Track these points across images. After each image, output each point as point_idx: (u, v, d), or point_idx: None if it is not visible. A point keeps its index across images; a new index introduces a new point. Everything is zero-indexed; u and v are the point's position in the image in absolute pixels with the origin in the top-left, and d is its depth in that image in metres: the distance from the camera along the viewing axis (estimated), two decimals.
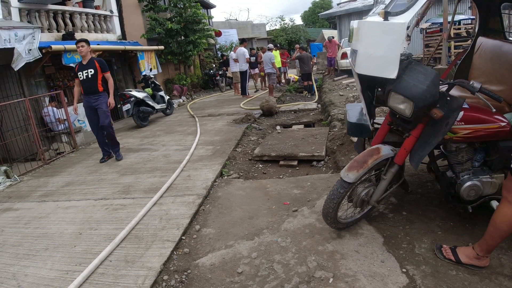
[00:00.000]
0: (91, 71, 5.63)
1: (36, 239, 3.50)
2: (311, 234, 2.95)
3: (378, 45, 2.41)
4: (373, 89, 3.09)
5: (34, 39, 7.03)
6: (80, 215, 3.91)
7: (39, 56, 7.15)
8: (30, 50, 6.94)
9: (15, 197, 4.85)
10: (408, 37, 2.34)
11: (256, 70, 14.10)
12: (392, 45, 2.34)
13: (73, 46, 8.25)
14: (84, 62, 5.67)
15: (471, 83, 2.33)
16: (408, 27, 2.33)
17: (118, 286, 2.58)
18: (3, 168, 5.74)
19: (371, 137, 3.26)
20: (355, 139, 4.82)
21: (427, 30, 13.58)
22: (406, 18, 2.32)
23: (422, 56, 13.42)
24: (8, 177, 5.64)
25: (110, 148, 6.11)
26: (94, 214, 3.89)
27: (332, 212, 2.62)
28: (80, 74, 5.69)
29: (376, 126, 3.14)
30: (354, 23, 2.91)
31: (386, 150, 2.58)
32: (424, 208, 3.12)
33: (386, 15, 2.38)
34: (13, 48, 6.62)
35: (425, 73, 2.34)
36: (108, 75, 5.81)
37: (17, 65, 6.77)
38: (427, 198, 3.30)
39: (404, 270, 2.38)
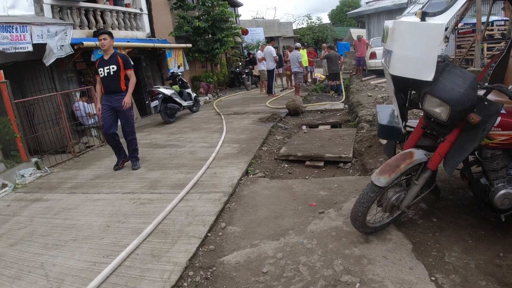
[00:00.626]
0: (113, 68, 5.05)
1: (65, 229, 3.62)
2: (338, 237, 2.91)
3: (415, 46, 2.35)
4: (406, 91, 3.02)
5: (66, 35, 7.25)
6: (108, 208, 4.01)
7: (71, 52, 7.38)
8: (62, 46, 7.18)
9: (45, 188, 5.03)
10: (446, 38, 2.27)
11: (281, 70, 14.05)
12: (429, 47, 2.28)
13: None
14: (106, 57, 5.11)
15: (510, 88, 2.23)
16: (446, 29, 2.26)
17: (144, 279, 2.62)
18: (34, 159, 5.96)
19: (402, 141, 3.18)
20: (384, 141, 4.72)
21: (459, 31, 13.12)
22: (445, 19, 2.26)
23: (453, 57, 12.99)
24: (38, 168, 5.84)
25: (129, 153, 5.51)
26: (122, 207, 3.99)
27: (361, 216, 2.58)
28: (100, 71, 5.10)
29: (408, 129, 3.06)
30: (389, 23, 2.84)
31: (419, 155, 2.51)
32: (455, 216, 3.02)
33: (423, 15, 2.31)
34: (45, 44, 6.86)
35: (463, 76, 2.27)
36: (131, 72, 5.19)
37: (49, 60, 7.01)
38: (458, 205, 3.19)
39: (433, 278, 2.31)
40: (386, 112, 3.60)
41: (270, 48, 11.87)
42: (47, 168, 5.90)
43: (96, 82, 5.36)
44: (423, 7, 2.56)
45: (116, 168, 5.43)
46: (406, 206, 2.66)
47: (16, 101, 5.85)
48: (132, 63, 5.30)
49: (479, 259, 2.45)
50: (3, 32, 5.97)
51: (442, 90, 2.26)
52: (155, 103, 8.73)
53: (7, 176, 5.33)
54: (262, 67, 12.51)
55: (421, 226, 2.93)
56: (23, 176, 5.46)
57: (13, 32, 6.14)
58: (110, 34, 5.14)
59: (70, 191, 4.76)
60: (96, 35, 9.03)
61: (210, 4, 13.99)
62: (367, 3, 20.69)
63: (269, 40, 12.90)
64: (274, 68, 11.90)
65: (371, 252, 2.65)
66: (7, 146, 6.05)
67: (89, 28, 9.25)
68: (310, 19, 39.29)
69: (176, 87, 9.78)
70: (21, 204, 4.54)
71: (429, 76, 2.29)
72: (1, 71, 5.59)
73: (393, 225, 2.95)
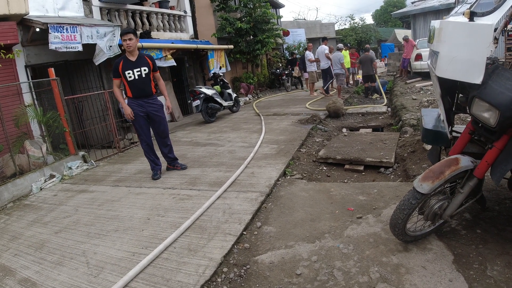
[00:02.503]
0: (145, 70, 4.65)
1: (108, 220, 3.81)
2: (376, 244, 2.84)
3: (463, 48, 2.25)
4: (453, 94, 2.89)
5: (114, 36, 7.63)
6: (149, 202, 4.18)
7: (119, 52, 7.74)
8: (110, 46, 7.56)
9: (91, 180, 5.32)
10: (496, 40, 2.16)
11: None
12: (478, 48, 2.17)
13: (150, 44, 8.85)
14: (133, 59, 4.66)
15: None
16: (495, 29, 2.14)
17: (180, 272, 2.71)
18: (81, 153, 6.33)
19: (448, 146, 3.05)
20: (428, 147, 4.54)
21: (509, 33, 12.26)
22: (494, 19, 2.14)
23: (503, 60, 12.17)
24: (85, 161, 6.20)
25: (169, 161, 5.26)
26: (162, 201, 4.13)
27: (401, 224, 2.49)
28: (129, 73, 4.61)
29: (454, 134, 2.93)
30: (436, 23, 2.74)
31: (465, 162, 2.39)
32: (501, 228, 2.84)
33: (472, 15, 2.21)
34: (95, 44, 7.26)
35: None
36: (158, 75, 4.91)
37: (98, 60, 7.42)
38: (504, 217, 3.00)
39: None
40: (432, 116, 3.46)
41: (323, 47, 11.56)
42: (93, 162, 6.25)
43: (114, 86, 4.90)
44: (471, 6, 2.45)
45: (157, 177, 4.96)
46: (449, 215, 2.54)
47: (66, 97, 6.26)
48: None
49: None
50: (55, 32, 6.39)
51: (491, 94, 2.14)
52: (196, 102, 8.96)
53: (55, 167, 5.71)
54: (312, 68, 12.30)
55: (464, 237, 2.79)
56: (70, 168, 5.82)
57: (63, 32, 6.56)
58: (135, 33, 4.67)
59: (114, 184, 5.00)
60: (142, 36, 9.45)
61: (252, 6, 14.13)
62: (412, 3, 19.88)
63: (322, 39, 12.67)
64: (329, 67, 11.51)
65: (409, 261, 2.56)
66: (56, 139, 6.49)
67: (136, 30, 9.67)
68: (353, 19, 38.59)
69: (217, 87, 9.97)
70: (67, 194, 4.85)
71: (477, 79, 2.18)
72: (52, 69, 6.00)
73: (434, 234, 2.83)
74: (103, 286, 2.63)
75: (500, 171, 2.26)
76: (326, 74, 11.82)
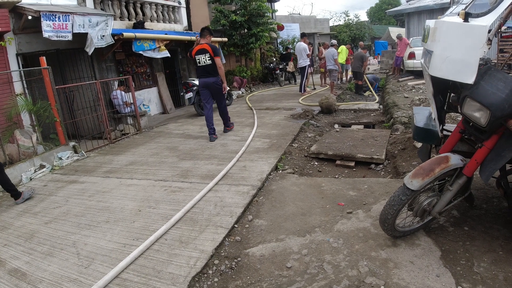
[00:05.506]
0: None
1: (98, 211, 3.80)
2: (365, 239, 2.89)
3: (457, 48, 2.28)
4: (445, 93, 2.93)
5: (107, 25, 7.52)
6: (140, 193, 4.17)
7: (112, 42, 7.64)
8: (103, 36, 7.45)
9: (81, 171, 5.29)
10: (489, 41, 2.19)
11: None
12: (472, 49, 2.21)
13: (143, 35, 8.76)
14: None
15: None
16: (489, 31, 2.18)
17: (171, 264, 2.72)
18: (72, 143, 6.28)
19: (438, 144, 3.09)
20: (419, 144, 4.60)
21: (502, 34, 12.43)
22: (488, 20, 2.18)
23: (495, 61, 12.34)
24: (76, 152, 6.16)
25: (224, 121, 6.80)
26: (153, 193, 4.13)
27: (390, 219, 2.54)
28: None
29: (445, 133, 2.97)
30: (431, 23, 2.77)
31: (455, 160, 2.44)
32: (488, 226, 2.90)
33: (467, 16, 2.24)
34: (87, 33, 7.14)
35: (505, 81, 2.18)
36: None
37: (91, 49, 7.31)
38: (491, 215, 3.07)
39: (459, 287, 2.25)
40: (423, 115, 3.50)
41: (302, 45, 11.28)
42: (84, 152, 6.20)
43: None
44: (466, 7, 2.48)
45: (213, 139, 6.29)
46: (437, 212, 2.59)
47: (57, 87, 6.18)
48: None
49: (508, 271, 2.35)
50: (46, 20, 6.28)
51: (483, 94, 2.18)
52: (189, 95, 8.92)
53: (45, 158, 5.65)
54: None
55: (451, 233, 2.85)
56: (60, 158, 5.77)
57: (55, 21, 6.44)
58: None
59: (105, 175, 4.98)
60: (136, 26, 9.34)
61: None
62: (407, 1, 19.94)
63: (301, 36, 12.40)
64: (306, 66, 11.36)
65: (398, 256, 2.61)
66: (47, 129, 6.42)
67: (129, 20, 9.55)
68: (348, 16, 38.55)
69: None
70: (57, 185, 4.81)
71: (470, 79, 2.22)
72: (44, 57, 5.91)
73: (422, 230, 2.89)
74: (93, 277, 2.63)
75: (489, 170, 2.31)
76: (302, 73, 11.57)
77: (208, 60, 6.17)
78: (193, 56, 6.32)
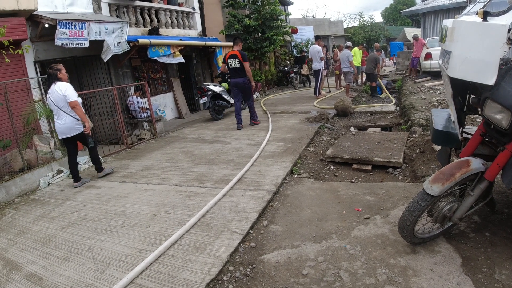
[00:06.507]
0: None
1: (115, 216, 3.84)
2: (383, 245, 2.81)
3: (476, 48, 2.21)
4: (465, 95, 2.84)
5: (123, 33, 7.65)
6: (156, 198, 4.19)
7: (128, 49, 7.77)
8: (119, 43, 7.58)
9: (98, 176, 5.34)
10: (510, 40, 2.11)
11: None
12: (491, 48, 2.13)
13: (158, 41, 8.89)
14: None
15: None
16: (509, 30, 2.10)
17: (186, 270, 2.71)
18: None
19: (458, 148, 3.00)
20: (437, 147, 4.48)
21: None
22: (508, 19, 2.10)
23: None
24: None
25: (251, 115, 7.92)
26: (169, 198, 4.15)
27: (409, 225, 2.46)
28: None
29: (465, 136, 2.88)
30: (448, 22, 2.69)
31: (476, 164, 2.35)
32: (510, 231, 2.79)
33: (485, 15, 2.16)
34: (103, 40, 7.28)
35: None
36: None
37: (106, 56, 7.45)
38: None
39: None
40: (442, 117, 3.41)
41: (316, 47, 11.34)
42: (100, 157, 6.27)
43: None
44: (484, 6, 2.40)
45: (239, 127, 7.61)
46: (458, 218, 2.50)
47: None
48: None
49: None
50: (62, 28, 6.41)
51: (504, 96, 2.10)
52: (204, 99, 8.95)
53: (63, 163, 5.75)
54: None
55: (472, 240, 2.75)
56: (78, 163, 5.84)
57: (71, 29, 6.58)
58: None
59: (121, 180, 5.03)
60: (151, 33, 9.47)
61: (260, 3, 14.06)
62: (422, 1, 19.60)
63: (316, 38, 12.38)
64: (320, 69, 11.39)
65: (417, 263, 2.53)
66: None
67: (144, 26, 9.69)
68: (362, 17, 38.16)
69: (225, 84, 9.95)
70: (74, 190, 4.88)
71: (490, 80, 2.14)
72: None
73: (442, 237, 2.80)
74: (109, 282, 2.64)
75: (511, 174, 2.22)
76: (317, 75, 11.57)
77: (238, 64, 7.36)
78: (226, 60, 7.50)
